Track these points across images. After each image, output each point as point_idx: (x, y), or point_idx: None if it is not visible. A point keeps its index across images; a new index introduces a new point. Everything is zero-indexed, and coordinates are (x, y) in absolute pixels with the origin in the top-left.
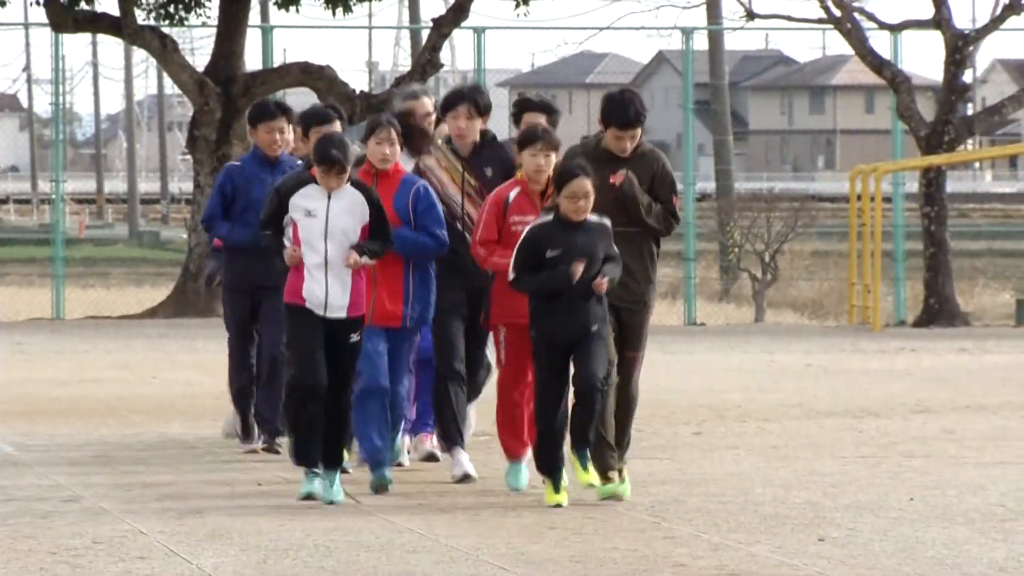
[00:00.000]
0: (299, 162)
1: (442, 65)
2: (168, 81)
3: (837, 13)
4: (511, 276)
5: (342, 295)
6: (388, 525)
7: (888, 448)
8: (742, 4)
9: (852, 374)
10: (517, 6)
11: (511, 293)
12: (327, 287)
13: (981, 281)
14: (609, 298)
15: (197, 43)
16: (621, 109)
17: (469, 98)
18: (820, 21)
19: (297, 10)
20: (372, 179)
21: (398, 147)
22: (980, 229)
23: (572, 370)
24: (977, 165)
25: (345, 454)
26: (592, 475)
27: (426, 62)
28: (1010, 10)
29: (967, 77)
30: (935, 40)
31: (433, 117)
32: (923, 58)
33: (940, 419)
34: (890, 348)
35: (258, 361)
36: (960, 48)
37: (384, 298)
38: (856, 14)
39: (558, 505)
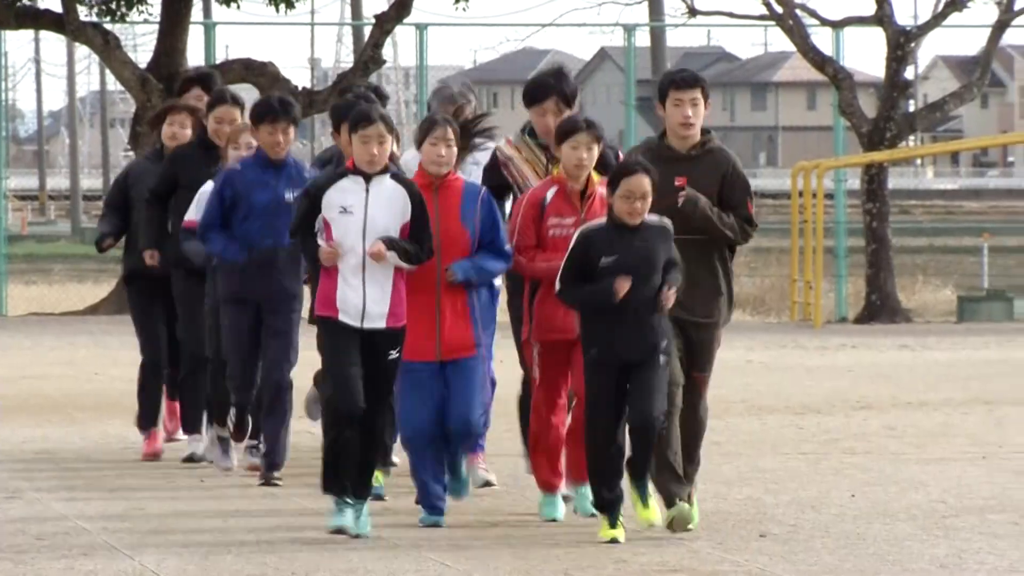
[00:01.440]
0: (302, 163)
1: (384, 61)
2: (111, 78)
3: (779, 10)
4: (557, 286)
5: (381, 301)
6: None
7: (829, 445)
8: (684, 1)
9: (793, 371)
10: (456, 2)
11: (550, 306)
12: (364, 293)
13: (922, 278)
14: (675, 313)
15: (139, 40)
16: (677, 72)
17: (557, 90)
18: (762, 17)
19: (239, 6)
20: (431, 191)
21: (455, 149)
22: (922, 226)
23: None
24: (919, 161)
25: (380, 477)
26: (654, 512)
27: (368, 58)
28: (952, 7)
29: (909, 74)
30: (877, 37)
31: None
32: (865, 55)
33: (881, 415)
34: (831, 345)
35: (262, 385)
36: (902, 45)
37: (450, 324)
38: (798, 11)
39: (615, 540)
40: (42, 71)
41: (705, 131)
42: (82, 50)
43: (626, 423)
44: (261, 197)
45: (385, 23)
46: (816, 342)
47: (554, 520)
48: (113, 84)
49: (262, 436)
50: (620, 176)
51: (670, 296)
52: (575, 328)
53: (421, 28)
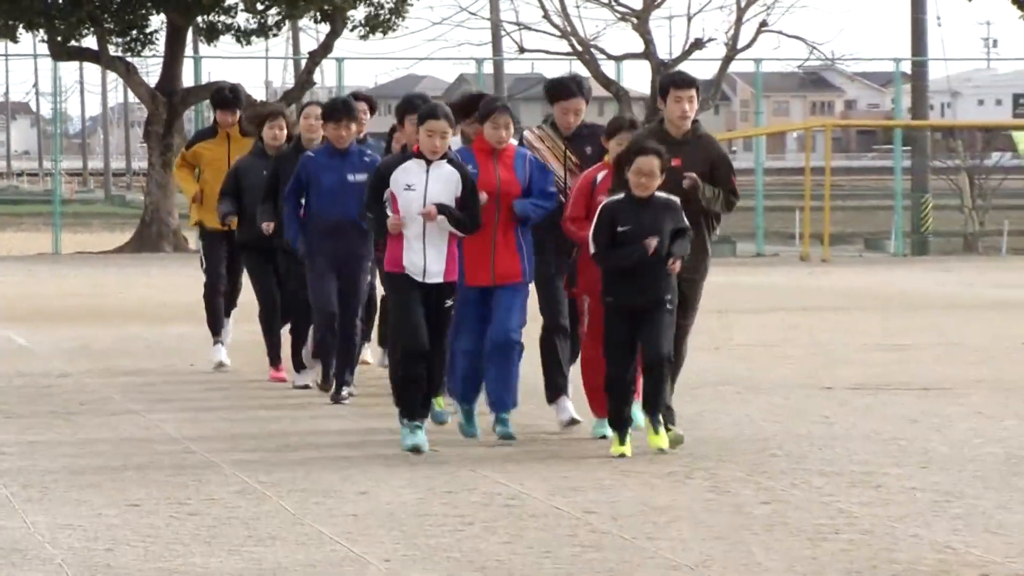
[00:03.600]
0: (368, 150)
1: (315, 83)
2: (131, 94)
3: (579, 48)
4: (592, 250)
5: (438, 261)
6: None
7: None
8: (516, 42)
9: None
10: (363, 38)
11: (594, 265)
12: (425, 255)
13: None
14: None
15: (150, 67)
16: (677, 74)
17: (582, 92)
18: (568, 54)
19: (216, 45)
20: (492, 156)
21: (512, 129)
22: None
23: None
24: None
25: (443, 401)
26: (663, 438)
27: (304, 81)
28: (695, 46)
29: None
30: (645, 66)
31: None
32: (637, 78)
33: None
34: None
35: (339, 320)
36: (661, 71)
37: (504, 257)
38: (592, 48)
39: (622, 455)
40: (85, 88)
41: (694, 121)
42: (111, 75)
43: (638, 361)
44: (327, 180)
45: (316, 57)
46: None
47: (604, 437)
48: (133, 98)
49: (335, 360)
50: (634, 155)
51: (675, 265)
52: None
53: (340, 60)
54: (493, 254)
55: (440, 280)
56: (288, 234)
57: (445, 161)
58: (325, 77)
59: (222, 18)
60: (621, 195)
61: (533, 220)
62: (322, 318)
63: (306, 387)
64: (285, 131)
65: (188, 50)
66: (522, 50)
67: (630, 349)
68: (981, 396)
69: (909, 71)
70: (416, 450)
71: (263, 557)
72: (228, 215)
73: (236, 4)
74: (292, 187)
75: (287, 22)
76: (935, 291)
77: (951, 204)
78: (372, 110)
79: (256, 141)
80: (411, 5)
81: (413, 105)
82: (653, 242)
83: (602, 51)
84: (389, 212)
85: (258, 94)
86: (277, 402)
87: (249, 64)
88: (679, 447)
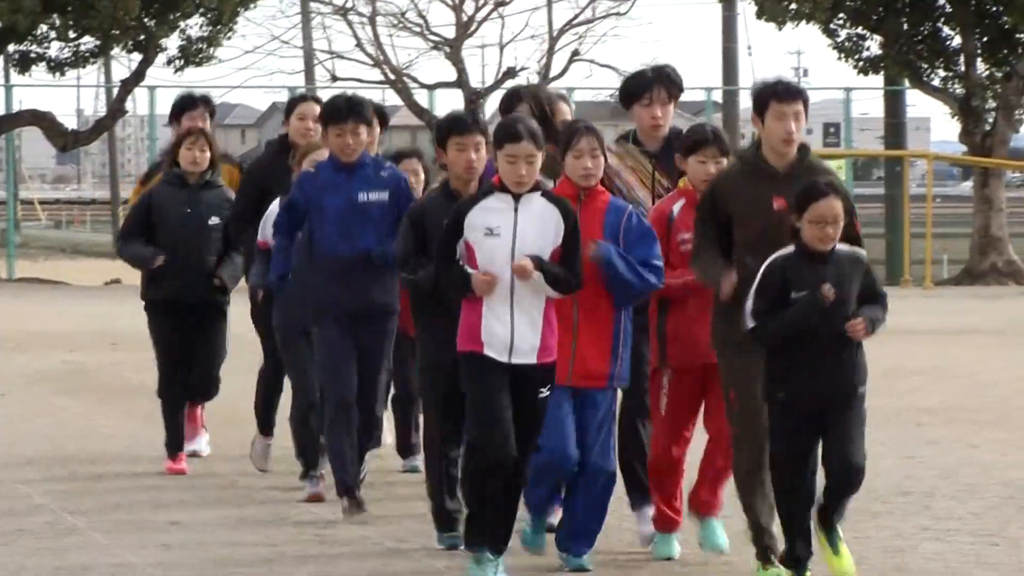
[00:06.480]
0: (387, 163)
1: (126, 112)
2: None
3: (392, 77)
4: (750, 324)
5: (531, 335)
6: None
7: None
8: (328, 71)
9: None
10: (176, 72)
11: (684, 327)
12: (513, 325)
13: None
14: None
15: None
16: (779, 83)
17: (664, 79)
18: (380, 82)
19: (30, 74)
20: (576, 203)
21: (602, 160)
22: None
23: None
24: None
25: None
26: (847, 560)
27: (116, 109)
28: (507, 75)
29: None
30: (457, 95)
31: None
32: (450, 107)
33: None
34: None
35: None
36: (474, 100)
37: (587, 351)
38: (405, 77)
39: None
40: None
41: (802, 146)
42: None
43: (820, 469)
44: (331, 202)
45: (128, 86)
46: None
47: (669, 559)
48: None
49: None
50: (808, 200)
51: (857, 325)
52: (711, 352)
53: (152, 89)
54: (574, 346)
55: (533, 360)
56: (274, 268)
57: (537, 194)
58: (137, 105)
59: (35, 47)
60: (791, 249)
61: (621, 284)
62: (335, 406)
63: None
64: (207, 153)
65: None
66: (335, 79)
67: (812, 461)
68: None
69: (720, 100)
70: None
71: None
72: (153, 256)
73: (49, 34)
74: (284, 217)
75: (101, 53)
76: None
77: None
78: (384, 124)
79: (170, 167)
80: (228, 38)
81: (459, 123)
82: (829, 291)
83: (415, 80)
84: (470, 267)
85: (70, 122)
86: (90, 430)
87: (62, 92)
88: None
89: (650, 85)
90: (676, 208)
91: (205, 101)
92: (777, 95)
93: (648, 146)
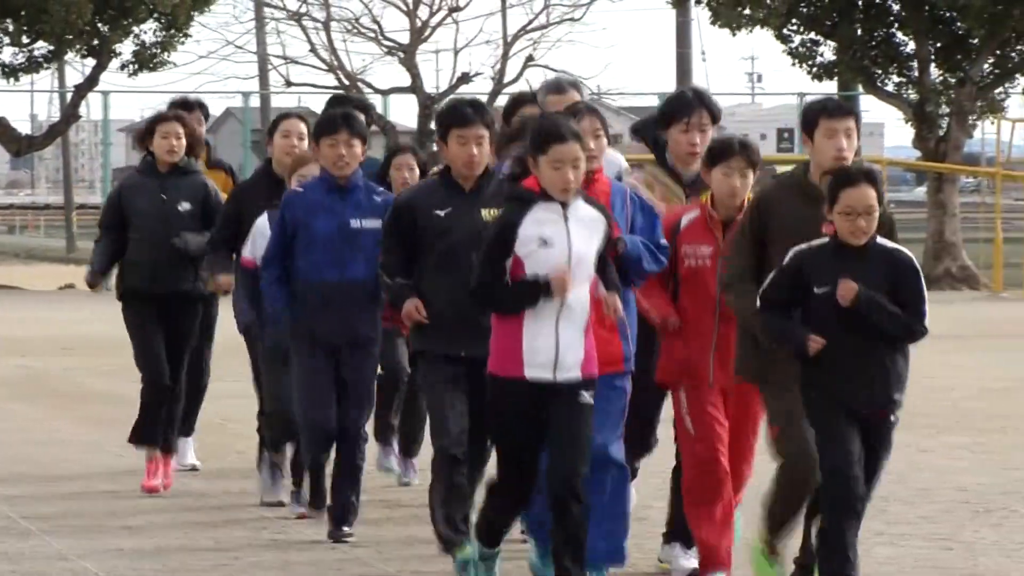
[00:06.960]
0: (379, 188)
1: (80, 116)
2: None
3: (346, 82)
4: (759, 304)
5: (577, 349)
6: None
7: None
8: (282, 76)
9: None
10: (130, 76)
11: (685, 343)
12: (557, 340)
13: None
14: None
15: None
16: (829, 100)
17: (707, 104)
18: (335, 87)
19: None
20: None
21: (604, 141)
22: None
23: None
24: None
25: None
26: None
27: (70, 115)
28: (462, 80)
29: (433, 125)
30: (412, 100)
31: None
32: (404, 112)
33: None
34: None
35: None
36: (428, 105)
37: (603, 334)
38: (359, 83)
39: None
40: None
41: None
42: None
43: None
44: (323, 224)
45: (81, 91)
46: None
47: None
48: None
49: (332, 489)
50: (840, 187)
51: (844, 288)
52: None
53: (106, 94)
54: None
55: (577, 375)
56: (273, 303)
57: (581, 200)
58: (91, 110)
59: None
60: (825, 239)
61: (640, 273)
62: (314, 437)
63: (280, 504)
64: (183, 140)
65: None
66: (289, 84)
67: (857, 461)
68: None
69: None
70: None
71: None
72: (91, 275)
73: (2, 39)
74: (275, 245)
75: (55, 57)
76: None
77: None
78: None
79: (144, 155)
80: (182, 43)
81: (460, 115)
82: (850, 286)
83: (369, 85)
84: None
85: (23, 127)
86: (44, 435)
87: (15, 97)
88: None
89: (691, 107)
90: (685, 219)
91: (200, 105)
92: (828, 111)
93: (682, 172)
